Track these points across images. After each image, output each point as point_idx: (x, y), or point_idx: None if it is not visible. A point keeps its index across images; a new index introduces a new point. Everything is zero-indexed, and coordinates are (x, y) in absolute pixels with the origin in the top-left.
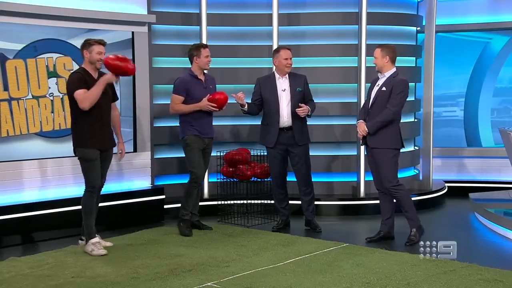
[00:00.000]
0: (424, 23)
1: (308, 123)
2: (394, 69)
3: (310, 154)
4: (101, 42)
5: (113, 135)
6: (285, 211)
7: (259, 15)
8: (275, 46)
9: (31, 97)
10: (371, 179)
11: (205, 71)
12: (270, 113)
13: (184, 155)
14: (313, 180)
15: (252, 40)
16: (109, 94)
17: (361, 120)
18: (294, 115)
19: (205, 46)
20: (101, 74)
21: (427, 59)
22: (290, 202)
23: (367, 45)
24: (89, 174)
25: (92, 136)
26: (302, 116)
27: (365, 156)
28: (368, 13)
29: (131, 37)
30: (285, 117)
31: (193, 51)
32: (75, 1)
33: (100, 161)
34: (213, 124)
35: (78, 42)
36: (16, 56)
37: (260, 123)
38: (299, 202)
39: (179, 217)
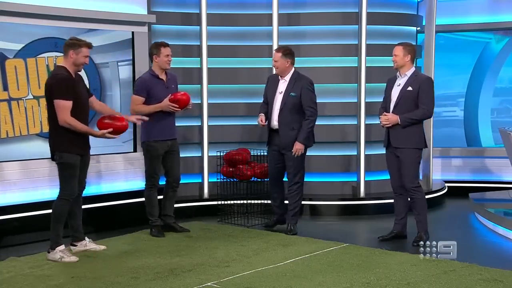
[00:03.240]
0: (424, 23)
1: None
2: (413, 68)
3: (311, 154)
4: (90, 46)
5: (89, 138)
6: (279, 210)
7: (259, 15)
8: (275, 46)
9: (32, 97)
10: (371, 179)
11: (167, 71)
12: (269, 113)
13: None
14: (313, 180)
15: (252, 40)
16: (86, 95)
17: (389, 113)
18: (280, 120)
19: (166, 45)
20: (78, 77)
21: (427, 59)
22: (286, 202)
23: (367, 45)
24: (69, 181)
25: (76, 141)
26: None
27: (366, 156)
28: (368, 13)
29: (131, 37)
30: (274, 120)
31: (152, 50)
32: (75, 1)
33: (80, 166)
34: (210, 124)
35: None
36: (16, 56)
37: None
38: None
39: (149, 224)
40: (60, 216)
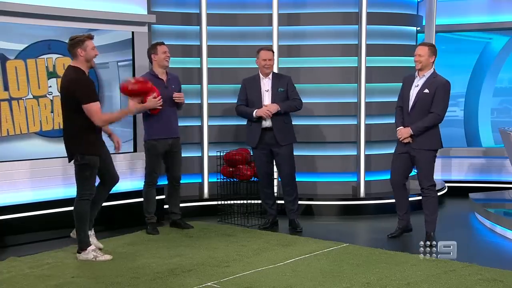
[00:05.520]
0: (424, 23)
1: (308, 123)
2: (432, 69)
3: (311, 154)
4: (91, 36)
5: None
6: (272, 211)
7: (259, 15)
8: (275, 46)
9: (31, 97)
10: (371, 179)
11: (167, 71)
12: None
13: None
14: (313, 180)
15: (252, 40)
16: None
17: (401, 127)
18: (273, 116)
19: (162, 43)
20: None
21: None
22: (279, 202)
23: (367, 45)
24: (89, 181)
25: (96, 143)
26: (269, 114)
27: (366, 156)
28: (368, 13)
29: (131, 37)
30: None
31: (150, 50)
32: (75, 1)
33: (103, 161)
34: (210, 124)
35: None
36: (17, 57)
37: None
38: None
39: (145, 221)
40: (83, 215)
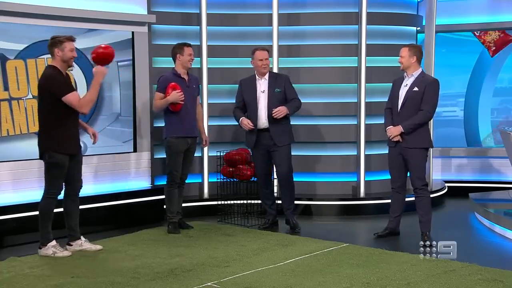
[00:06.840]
0: (424, 23)
1: (308, 123)
2: (420, 69)
3: (311, 154)
4: (72, 39)
5: (79, 138)
6: (272, 211)
7: (259, 15)
8: (275, 46)
9: (31, 97)
10: (371, 179)
11: (189, 71)
12: (250, 115)
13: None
14: (313, 180)
15: (252, 40)
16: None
17: (391, 126)
18: (271, 116)
19: (189, 45)
20: (68, 77)
21: (427, 59)
22: (278, 202)
23: (367, 45)
24: (56, 180)
25: (66, 141)
26: (278, 117)
27: (366, 156)
28: (368, 13)
29: (131, 37)
30: (263, 119)
31: (176, 49)
32: (75, 1)
33: (73, 165)
34: (210, 124)
35: (78, 42)
36: (17, 57)
37: None
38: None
39: (167, 220)
40: (47, 213)
